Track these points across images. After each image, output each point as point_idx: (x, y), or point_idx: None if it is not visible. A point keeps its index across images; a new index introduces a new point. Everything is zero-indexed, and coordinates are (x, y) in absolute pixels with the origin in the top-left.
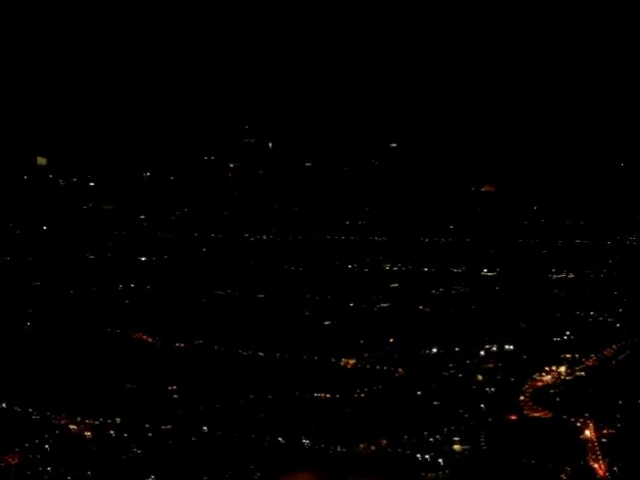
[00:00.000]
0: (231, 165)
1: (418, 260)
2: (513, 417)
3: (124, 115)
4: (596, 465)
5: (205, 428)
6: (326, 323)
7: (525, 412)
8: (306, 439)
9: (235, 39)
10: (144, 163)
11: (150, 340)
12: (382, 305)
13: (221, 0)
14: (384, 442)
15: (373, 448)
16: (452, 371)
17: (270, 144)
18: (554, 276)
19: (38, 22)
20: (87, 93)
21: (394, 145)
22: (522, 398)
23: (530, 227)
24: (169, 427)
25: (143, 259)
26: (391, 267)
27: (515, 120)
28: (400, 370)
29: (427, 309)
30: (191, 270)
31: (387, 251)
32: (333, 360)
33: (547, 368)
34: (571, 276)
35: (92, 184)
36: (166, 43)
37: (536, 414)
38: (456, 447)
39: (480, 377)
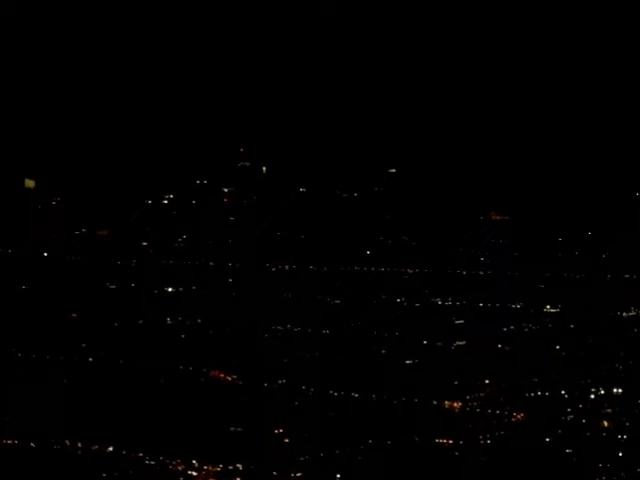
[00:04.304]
0: (225, 190)
1: (463, 294)
2: None
3: (115, 138)
4: None
5: (339, 476)
6: (407, 362)
7: None
8: None
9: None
10: (136, 188)
11: (229, 379)
12: (459, 343)
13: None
14: None
15: None
16: (571, 416)
17: (264, 168)
18: (624, 314)
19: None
20: (78, 113)
21: (393, 171)
22: None
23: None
24: (299, 475)
25: (170, 290)
26: (443, 302)
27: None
28: (516, 414)
29: (507, 348)
30: (229, 302)
31: (425, 283)
32: (435, 403)
33: None
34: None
35: (74, 207)
36: (160, 59)
37: None
38: None
39: (606, 423)
